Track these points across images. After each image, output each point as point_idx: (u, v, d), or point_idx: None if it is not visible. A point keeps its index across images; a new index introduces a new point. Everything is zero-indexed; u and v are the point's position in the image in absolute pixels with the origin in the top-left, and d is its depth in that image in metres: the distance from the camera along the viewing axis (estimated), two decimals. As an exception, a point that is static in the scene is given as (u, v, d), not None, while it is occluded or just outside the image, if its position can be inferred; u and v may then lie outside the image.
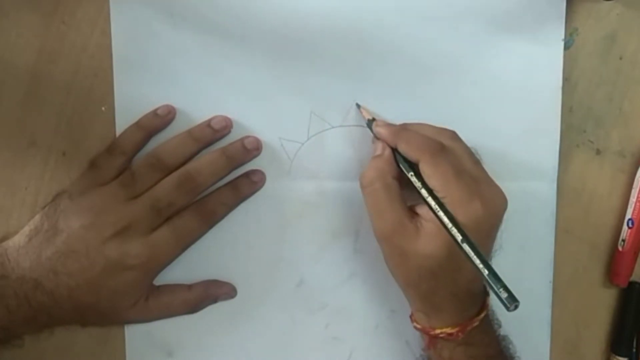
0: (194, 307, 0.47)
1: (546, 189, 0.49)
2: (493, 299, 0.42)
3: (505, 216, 0.48)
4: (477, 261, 0.39)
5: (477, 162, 0.43)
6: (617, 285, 0.50)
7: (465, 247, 0.39)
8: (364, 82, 0.47)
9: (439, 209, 0.40)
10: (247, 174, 0.47)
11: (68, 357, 0.47)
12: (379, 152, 0.44)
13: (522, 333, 0.46)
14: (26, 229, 0.44)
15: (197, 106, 0.46)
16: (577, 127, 0.49)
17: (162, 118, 0.46)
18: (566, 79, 0.48)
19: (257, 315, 0.48)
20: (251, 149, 0.46)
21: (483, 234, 0.41)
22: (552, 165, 0.49)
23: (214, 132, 0.46)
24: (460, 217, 0.40)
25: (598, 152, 0.50)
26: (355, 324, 0.49)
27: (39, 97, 0.46)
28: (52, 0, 0.45)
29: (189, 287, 0.47)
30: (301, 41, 0.46)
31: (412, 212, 0.42)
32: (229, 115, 0.46)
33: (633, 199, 0.49)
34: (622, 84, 0.49)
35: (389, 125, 0.44)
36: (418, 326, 0.44)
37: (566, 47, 0.48)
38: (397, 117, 0.47)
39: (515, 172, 0.48)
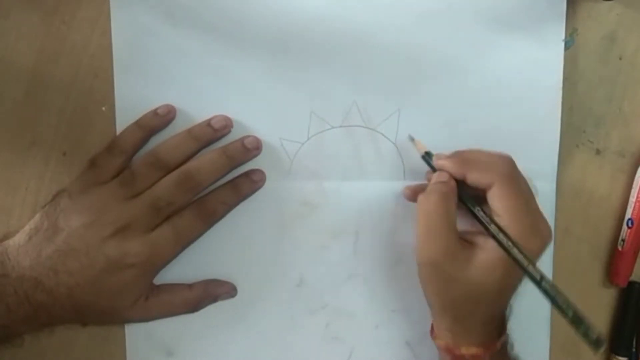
0: (194, 306, 0.47)
1: (546, 188, 0.49)
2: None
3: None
4: (560, 301, 0.39)
5: (534, 195, 0.44)
6: (617, 285, 0.50)
7: (545, 285, 0.39)
8: (364, 82, 0.47)
9: (512, 245, 0.40)
10: (247, 174, 0.47)
11: (68, 356, 0.47)
12: (444, 179, 0.43)
13: (522, 333, 0.46)
14: (26, 228, 0.44)
15: (197, 106, 0.46)
16: (577, 127, 0.49)
17: (162, 117, 0.46)
18: (566, 79, 0.48)
19: (257, 315, 0.48)
20: (251, 148, 0.46)
21: None
22: (552, 165, 0.49)
23: (214, 131, 0.46)
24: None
25: (598, 152, 0.50)
26: (355, 324, 0.49)
27: (40, 97, 0.46)
28: (53, 1, 0.45)
29: (190, 286, 0.47)
30: (301, 41, 0.46)
31: (463, 241, 0.42)
32: (229, 116, 0.46)
33: (632, 199, 0.49)
34: (621, 84, 0.49)
35: (450, 156, 0.44)
36: (441, 343, 0.44)
37: (566, 47, 0.48)
38: (397, 117, 0.47)
39: (515, 172, 0.48)
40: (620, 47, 0.49)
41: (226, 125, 0.46)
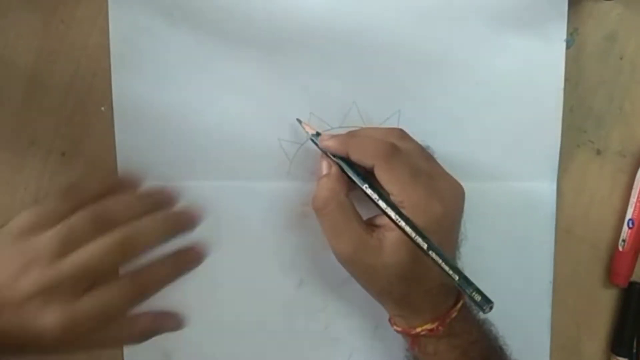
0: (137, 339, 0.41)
1: (546, 189, 0.49)
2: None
3: (505, 216, 0.48)
4: (447, 268, 0.39)
5: (429, 158, 0.43)
6: (618, 285, 0.50)
7: (433, 255, 0.39)
8: (363, 82, 0.47)
9: (399, 219, 0.40)
10: (187, 249, 0.41)
11: (65, 358, 0.47)
12: (325, 170, 0.43)
13: (522, 333, 0.46)
14: None
15: (195, 106, 0.46)
16: (578, 127, 0.49)
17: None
18: (567, 79, 0.48)
19: (256, 316, 0.48)
20: (195, 218, 0.41)
21: (446, 232, 0.41)
22: (553, 165, 0.48)
23: (166, 199, 0.42)
24: (420, 220, 0.39)
25: (598, 152, 0.49)
26: (355, 325, 0.49)
27: (38, 97, 0.46)
28: (52, 0, 0.45)
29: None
30: (301, 42, 0.46)
31: (371, 226, 0.42)
32: (229, 115, 0.46)
33: (633, 199, 0.49)
34: (622, 84, 0.49)
35: (336, 136, 0.44)
36: (398, 329, 0.44)
37: (567, 47, 0.48)
38: (398, 118, 0.47)
39: (516, 172, 0.48)
40: (621, 46, 0.49)
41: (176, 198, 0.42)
